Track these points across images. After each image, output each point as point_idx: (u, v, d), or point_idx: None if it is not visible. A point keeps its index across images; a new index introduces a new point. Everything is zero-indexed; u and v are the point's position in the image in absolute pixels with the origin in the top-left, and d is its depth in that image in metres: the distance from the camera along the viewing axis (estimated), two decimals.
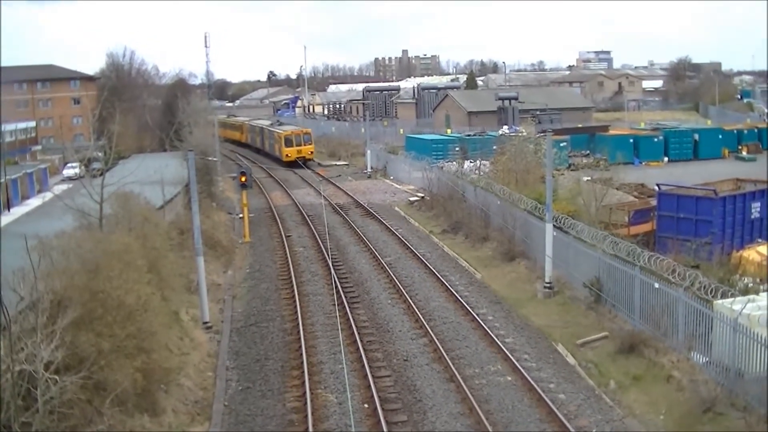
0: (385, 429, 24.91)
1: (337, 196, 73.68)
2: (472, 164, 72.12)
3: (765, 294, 28.99)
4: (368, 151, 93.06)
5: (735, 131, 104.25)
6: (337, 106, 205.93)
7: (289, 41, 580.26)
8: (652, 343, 29.63)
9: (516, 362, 29.87)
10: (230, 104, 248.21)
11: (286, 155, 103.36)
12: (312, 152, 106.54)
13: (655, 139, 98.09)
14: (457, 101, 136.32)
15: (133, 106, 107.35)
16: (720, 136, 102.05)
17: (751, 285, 33.85)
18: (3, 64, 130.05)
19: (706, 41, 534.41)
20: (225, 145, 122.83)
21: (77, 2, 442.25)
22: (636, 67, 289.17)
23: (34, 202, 65.17)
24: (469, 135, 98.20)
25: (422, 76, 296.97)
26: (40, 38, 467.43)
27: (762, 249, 40.91)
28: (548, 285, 38.80)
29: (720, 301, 27.85)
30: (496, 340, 32.49)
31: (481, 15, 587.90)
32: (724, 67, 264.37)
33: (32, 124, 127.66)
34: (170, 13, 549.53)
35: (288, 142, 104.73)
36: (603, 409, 26.15)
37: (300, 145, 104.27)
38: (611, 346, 30.89)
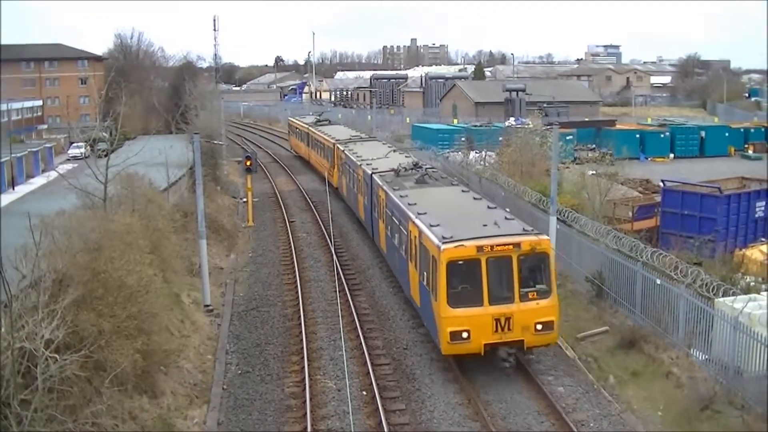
0: (382, 416, 24.96)
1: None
2: (477, 155, 72.03)
3: (766, 293, 28.99)
4: None
5: (742, 129, 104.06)
6: (344, 92, 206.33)
7: (297, 26, 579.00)
8: (652, 339, 29.64)
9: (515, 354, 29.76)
10: (237, 88, 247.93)
11: (450, 336, 27.53)
12: (552, 324, 28.23)
13: (662, 135, 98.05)
14: (465, 91, 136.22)
15: (140, 88, 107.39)
16: (726, 134, 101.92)
17: (752, 284, 33.88)
18: (10, 42, 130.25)
19: (716, 38, 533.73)
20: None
21: None
22: (644, 63, 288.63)
23: (38, 181, 65.30)
24: (475, 126, 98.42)
25: (430, 65, 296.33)
26: (49, 17, 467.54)
27: (765, 248, 40.92)
28: None
29: (721, 299, 27.88)
30: None
31: (491, 6, 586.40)
32: (733, 65, 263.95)
33: (39, 102, 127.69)
34: None
35: (456, 299, 27.72)
36: (601, 403, 26.14)
37: (507, 298, 27.81)
38: (611, 340, 30.89)
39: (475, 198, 36.50)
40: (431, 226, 29.88)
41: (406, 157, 50.65)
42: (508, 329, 27.64)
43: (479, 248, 27.56)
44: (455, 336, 27.57)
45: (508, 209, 34.84)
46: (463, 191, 38.60)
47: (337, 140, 64.62)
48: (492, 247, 27.62)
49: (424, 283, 30.35)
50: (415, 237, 31.86)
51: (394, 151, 55.18)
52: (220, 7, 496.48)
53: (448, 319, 27.63)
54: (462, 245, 27.57)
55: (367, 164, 48.03)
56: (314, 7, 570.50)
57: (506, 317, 27.57)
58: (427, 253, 29.67)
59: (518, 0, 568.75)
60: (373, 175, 44.88)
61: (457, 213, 32.91)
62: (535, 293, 28.09)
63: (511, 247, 27.75)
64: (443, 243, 27.72)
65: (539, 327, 27.88)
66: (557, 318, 28.72)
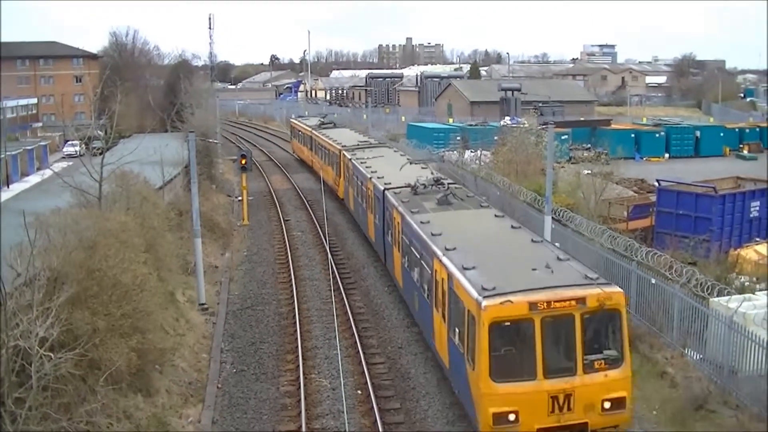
0: (377, 415, 24.97)
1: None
2: (472, 154, 72.08)
3: (761, 293, 29.04)
4: None
5: (737, 129, 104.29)
6: (340, 91, 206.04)
7: (293, 25, 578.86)
8: (646, 339, 29.62)
9: None
10: (232, 87, 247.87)
11: (494, 419, 21.49)
12: (624, 402, 22.09)
13: (657, 135, 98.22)
14: (460, 91, 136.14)
15: (135, 86, 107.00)
16: (722, 134, 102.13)
17: (747, 284, 33.93)
18: (5, 40, 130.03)
19: (712, 38, 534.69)
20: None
21: None
22: (640, 62, 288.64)
23: (33, 179, 65.21)
24: (470, 125, 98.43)
25: (426, 64, 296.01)
26: (44, 15, 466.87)
27: (759, 248, 40.97)
28: None
29: (716, 299, 27.92)
30: None
31: (486, 5, 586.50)
32: (729, 65, 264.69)
33: (33, 100, 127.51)
34: None
35: (501, 370, 21.65)
36: None
37: (567, 370, 21.81)
38: None
39: (513, 227, 29.67)
40: (465, 268, 23.78)
41: (422, 168, 44.30)
42: (568, 409, 21.52)
43: (532, 305, 21.29)
44: (500, 419, 21.40)
45: (557, 244, 29.46)
46: (496, 216, 31.79)
47: (343, 146, 58.42)
48: (549, 303, 21.38)
49: (456, 342, 24.00)
50: (443, 280, 25.47)
51: (409, 160, 47.12)
52: (215, 5, 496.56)
53: (490, 396, 21.41)
54: (509, 301, 21.30)
55: (379, 177, 42.20)
56: (310, 6, 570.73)
57: (566, 394, 21.48)
58: (459, 305, 23.41)
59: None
60: (386, 191, 38.80)
61: (494, 249, 26.69)
62: (603, 362, 21.88)
63: (573, 303, 21.50)
64: (485, 297, 21.46)
65: (607, 405, 21.69)
66: (630, 393, 22.39)
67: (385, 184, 39.85)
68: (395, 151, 57.68)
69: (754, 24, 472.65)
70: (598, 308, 21.60)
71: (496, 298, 21.30)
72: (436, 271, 26.59)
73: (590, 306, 21.50)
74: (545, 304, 21.26)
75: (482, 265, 23.93)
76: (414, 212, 32.56)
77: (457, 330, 23.79)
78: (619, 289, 22.31)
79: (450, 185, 37.71)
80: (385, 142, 68.32)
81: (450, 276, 24.50)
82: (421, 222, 30.62)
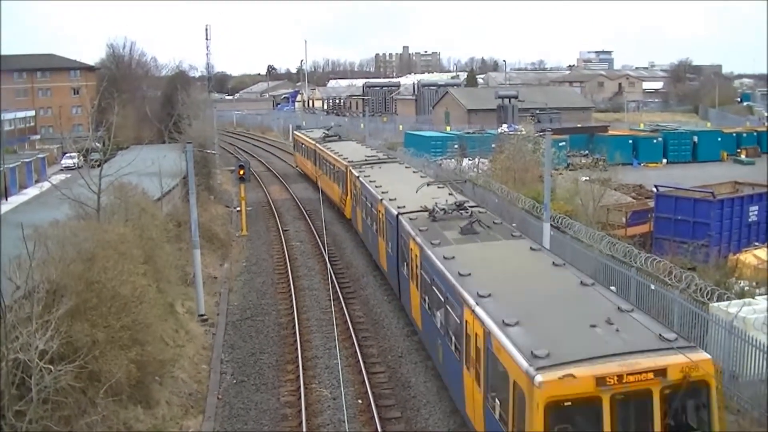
0: (378, 425, 24.94)
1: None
2: (470, 162, 72.12)
3: (761, 297, 29.04)
4: None
5: (734, 134, 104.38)
6: (337, 101, 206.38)
7: (289, 35, 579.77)
8: None
9: None
10: (230, 97, 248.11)
11: None
12: None
13: (654, 141, 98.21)
14: (457, 99, 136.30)
15: (132, 97, 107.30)
16: (719, 139, 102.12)
17: (747, 288, 33.90)
18: (3, 53, 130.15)
19: (708, 43, 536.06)
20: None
21: None
22: (636, 68, 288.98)
23: (31, 192, 65.09)
24: (468, 133, 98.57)
25: (423, 72, 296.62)
26: (41, 27, 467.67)
27: (759, 252, 40.94)
28: None
29: (716, 304, 27.92)
30: None
31: (483, 13, 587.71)
32: (725, 70, 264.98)
33: (31, 113, 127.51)
34: (170, 4, 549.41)
35: None
36: None
37: None
38: None
39: (555, 264, 24.61)
40: (506, 324, 19.06)
41: (439, 187, 39.15)
42: None
43: (600, 380, 16.56)
44: None
45: (613, 288, 25.53)
46: (532, 249, 26.88)
47: (350, 162, 53.94)
48: (620, 377, 16.66)
49: (496, 415, 19.20)
50: (477, 335, 20.76)
51: (422, 178, 44.06)
52: (212, 15, 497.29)
53: None
54: (570, 375, 16.55)
55: (391, 200, 37.50)
56: (307, 11, 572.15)
57: None
58: (500, 371, 18.73)
59: (511, 2, 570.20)
60: (399, 217, 34.13)
61: (537, 295, 21.61)
62: None
63: (651, 375, 16.80)
64: (538, 370, 16.73)
65: None
66: None
67: (399, 207, 35.40)
68: (407, 167, 52.95)
69: (753, 25, 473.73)
70: (683, 381, 16.96)
71: (553, 370, 16.65)
72: (467, 322, 21.83)
73: (672, 378, 16.94)
74: (616, 378, 16.65)
75: (527, 319, 19.34)
76: (435, 244, 27.86)
77: (497, 401, 19.14)
78: (707, 355, 17.63)
79: (473, 210, 32.85)
80: (395, 157, 63.16)
81: (487, 333, 19.70)
82: (444, 257, 26.03)
